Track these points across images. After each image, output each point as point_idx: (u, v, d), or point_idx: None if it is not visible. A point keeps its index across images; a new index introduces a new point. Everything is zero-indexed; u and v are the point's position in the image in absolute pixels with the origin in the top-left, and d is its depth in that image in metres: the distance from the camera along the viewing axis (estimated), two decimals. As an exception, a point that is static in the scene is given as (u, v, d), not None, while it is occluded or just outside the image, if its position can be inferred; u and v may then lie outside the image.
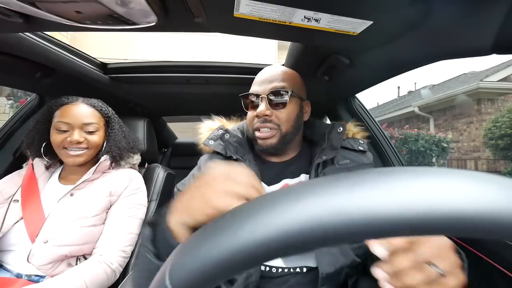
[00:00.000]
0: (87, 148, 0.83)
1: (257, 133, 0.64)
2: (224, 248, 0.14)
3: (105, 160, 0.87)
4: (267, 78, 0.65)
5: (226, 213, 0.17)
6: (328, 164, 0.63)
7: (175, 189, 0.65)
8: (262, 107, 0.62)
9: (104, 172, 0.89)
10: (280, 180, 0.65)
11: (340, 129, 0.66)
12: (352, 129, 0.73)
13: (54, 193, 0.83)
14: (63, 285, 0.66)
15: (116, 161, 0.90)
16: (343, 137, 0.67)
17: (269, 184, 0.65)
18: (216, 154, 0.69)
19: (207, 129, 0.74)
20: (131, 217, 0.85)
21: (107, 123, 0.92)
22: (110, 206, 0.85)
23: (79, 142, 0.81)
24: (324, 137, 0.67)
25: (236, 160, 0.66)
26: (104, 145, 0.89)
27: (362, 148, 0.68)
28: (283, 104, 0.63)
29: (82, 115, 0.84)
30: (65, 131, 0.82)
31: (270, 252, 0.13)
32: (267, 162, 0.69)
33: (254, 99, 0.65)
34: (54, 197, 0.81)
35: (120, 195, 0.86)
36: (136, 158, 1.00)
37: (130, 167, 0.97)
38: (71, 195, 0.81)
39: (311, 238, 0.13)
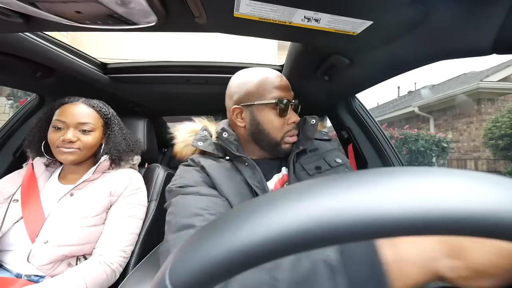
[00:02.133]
0: (79, 148, 0.83)
1: (289, 139, 0.66)
2: (224, 247, 0.14)
3: (105, 160, 0.87)
4: (288, 85, 0.67)
5: (227, 212, 0.17)
6: (302, 154, 0.69)
7: (167, 191, 0.62)
8: (295, 114, 0.66)
9: (104, 172, 0.89)
10: (272, 177, 0.67)
11: (313, 122, 0.70)
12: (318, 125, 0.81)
13: (54, 193, 0.83)
14: (63, 285, 0.66)
15: (116, 163, 0.90)
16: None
17: (266, 179, 0.66)
18: (203, 155, 0.68)
19: (188, 131, 0.73)
20: (131, 217, 0.85)
21: (106, 124, 0.91)
22: (110, 206, 0.85)
23: (71, 141, 0.81)
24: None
25: (228, 160, 0.65)
26: (103, 147, 0.89)
27: (327, 137, 0.77)
28: (296, 112, 0.68)
29: (78, 114, 0.83)
30: (60, 130, 0.82)
31: (271, 252, 0.14)
32: (259, 160, 0.69)
33: (286, 105, 0.64)
34: (54, 197, 0.81)
35: (120, 195, 0.86)
36: (136, 159, 1.00)
37: (130, 167, 0.97)
38: (71, 195, 0.81)
39: (311, 238, 0.13)
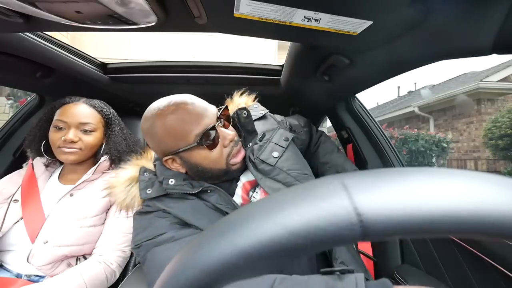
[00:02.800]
0: (80, 149, 0.83)
1: (235, 159, 0.60)
2: (238, 248, 0.14)
3: (105, 160, 0.87)
4: (203, 107, 0.57)
5: (241, 210, 0.17)
6: (253, 148, 0.65)
7: (135, 248, 0.55)
8: (229, 131, 0.59)
9: (104, 172, 0.89)
10: (234, 192, 0.63)
11: (245, 114, 0.65)
12: (245, 101, 0.76)
13: (54, 193, 0.83)
14: (63, 285, 0.66)
15: (116, 163, 0.90)
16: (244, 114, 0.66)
17: (234, 193, 0.63)
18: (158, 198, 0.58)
19: (126, 183, 0.61)
20: (131, 217, 0.85)
21: (107, 124, 0.91)
22: (110, 206, 0.84)
23: (73, 142, 0.81)
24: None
25: (189, 194, 0.58)
26: (103, 147, 0.89)
27: (262, 112, 0.73)
28: (228, 120, 0.62)
29: (79, 114, 0.83)
30: (61, 130, 0.82)
31: (287, 254, 0.13)
32: (216, 183, 0.62)
33: (213, 134, 0.56)
34: (54, 197, 0.81)
35: None
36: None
37: None
38: (71, 195, 0.81)
39: (308, 242, 0.13)
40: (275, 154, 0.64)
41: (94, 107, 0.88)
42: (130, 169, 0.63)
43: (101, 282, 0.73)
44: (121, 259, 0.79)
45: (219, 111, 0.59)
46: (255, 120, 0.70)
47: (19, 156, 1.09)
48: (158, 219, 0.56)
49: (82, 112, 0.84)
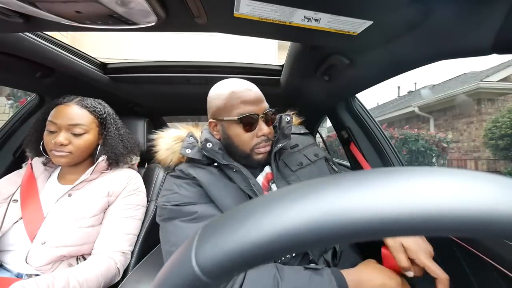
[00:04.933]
0: (71, 152, 0.81)
1: (260, 150, 0.66)
2: (268, 230, 0.13)
3: (102, 161, 0.86)
4: (257, 97, 0.66)
5: (270, 193, 0.16)
6: (283, 151, 0.74)
7: (162, 206, 0.61)
8: (267, 127, 0.66)
9: (103, 172, 0.89)
10: (256, 178, 0.69)
11: (287, 119, 0.73)
12: (294, 120, 0.83)
13: (53, 193, 0.83)
14: (83, 273, 0.68)
15: (114, 164, 0.90)
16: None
17: (256, 178, 0.69)
18: (191, 163, 0.68)
19: (173, 138, 0.72)
20: (129, 217, 0.85)
21: (102, 124, 0.89)
22: (108, 206, 0.84)
23: (62, 145, 0.79)
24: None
25: (216, 167, 0.66)
26: (99, 147, 0.88)
27: (304, 131, 0.82)
28: (272, 121, 0.68)
29: (69, 116, 0.81)
30: (53, 132, 0.81)
31: (322, 238, 0.13)
32: (242, 165, 0.70)
33: (252, 120, 0.64)
34: (53, 197, 0.81)
35: (118, 195, 0.86)
36: (135, 159, 0.99)
37: (129, 167, 0.97)
38: (69, 195, 0.81)
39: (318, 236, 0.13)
40: (299, 163, 0.72)
41: (86, 107, 0.86)
42: (180, 131, 0.74)
43: (112, 277, 0.74)
44: (123, 259, 0.79)
45: (269, 110, 0.67)
46: (294, 133, 0.78)
47: (19, 156, 1.09)
48: (187, 187, 0.62)
49: (73, 113, 0.82)
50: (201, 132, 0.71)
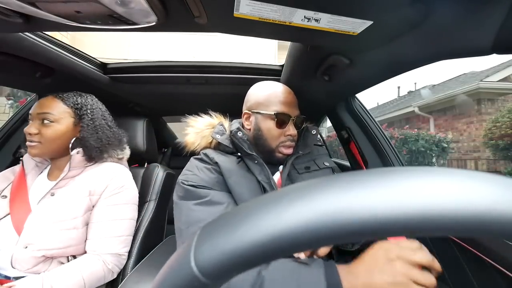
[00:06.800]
0: (40, 142, 0.78)
1: (283, 149, 0.72)
2: (266, 230, 0.13)
3: (78, 153, 0.82)
4: (293, 102, 0.73)
5: (268, 194, 0.16)
6: (294, 155, 0.77)
7: (180, 183, 0.66)
8: (295, 129, 0.72)
9: (87, 167, 0.85)
10: (273, 174, 0.73)
11: (314, 131, 0.80)
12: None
13: (41, 189, 0.80)
14: (61, 280, 0.66)
15: (92, 158, 0.85)
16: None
17: (274, 174, 0.73)
18: (216, 150, 0.74)
19: (206, 124, 0.79)
20: (117, 220, 0.81)
21: (77, 115, 0.84)
22: (92, 207, 0.81)
23: (30, 134, 0.77)
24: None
25: (238, 157, 0.71)
26: (72, 141, 0.83)
27: (320, 143, 0.87)
28: (300, 126, 0.75)
29: (40, 105, 0.79)
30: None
31: (319, 239, 0.13)
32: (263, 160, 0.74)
33: (285, 118, 0.71)
34: (41, 193, 0.79)
35: (101, 195, 0.81)
36: (121, 153, 0.94)
37: (117, 162, 0.92)
38: (52, 194, 0.78)
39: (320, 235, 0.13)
40: (307, 167, 0.76)
41: (61, 98, 0.83)
42: (213, 119, 0.81)
43: (99, 279, 0.72)
44: (116, 260, 0.77)
45: (301, 116, 0.75)
46: (314, 145, 0.84)
47: (19, 156, 1.09)
48: (207, 172, 0.67)
49: (44, 103, 0.80)
50: (231, 123, 0.78)
